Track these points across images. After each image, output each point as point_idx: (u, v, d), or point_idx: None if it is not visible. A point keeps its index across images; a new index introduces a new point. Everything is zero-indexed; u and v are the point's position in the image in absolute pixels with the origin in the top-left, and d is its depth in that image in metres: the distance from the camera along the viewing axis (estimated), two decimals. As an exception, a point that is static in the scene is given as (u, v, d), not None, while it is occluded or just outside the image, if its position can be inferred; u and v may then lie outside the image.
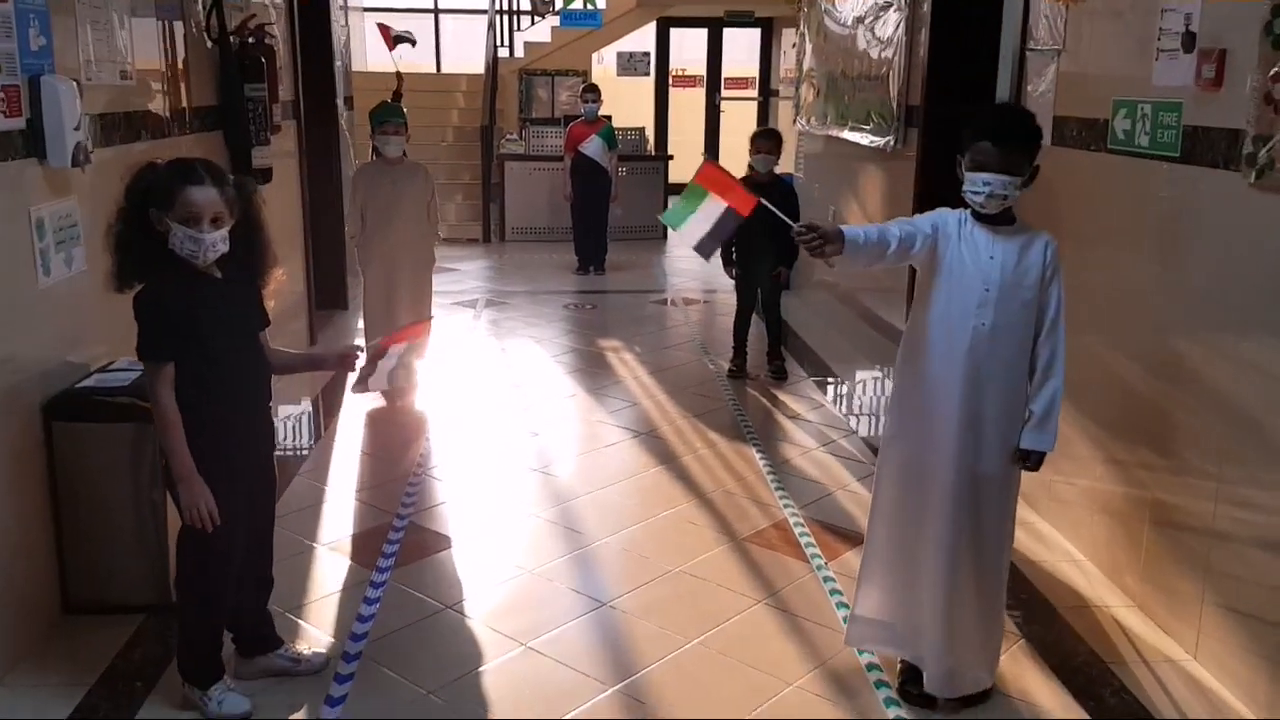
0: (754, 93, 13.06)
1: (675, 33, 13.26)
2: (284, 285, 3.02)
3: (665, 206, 10.48)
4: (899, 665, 2.85)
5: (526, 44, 11.74)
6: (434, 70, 12.62)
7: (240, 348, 2.60)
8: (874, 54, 6.29)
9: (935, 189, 4.43)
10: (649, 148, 11.11)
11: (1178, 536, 3.09)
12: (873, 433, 4.92)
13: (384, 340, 2.75)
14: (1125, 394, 3.38)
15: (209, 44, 4.64)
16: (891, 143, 5.92)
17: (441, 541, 3.73)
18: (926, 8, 5.49)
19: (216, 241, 2.46)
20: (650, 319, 7.44)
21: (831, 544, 3.71)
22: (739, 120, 12.67)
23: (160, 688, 2.76)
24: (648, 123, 12.31)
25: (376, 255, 5.19)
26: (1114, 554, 3.45)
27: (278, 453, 3.46)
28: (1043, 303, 2.56)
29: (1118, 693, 2.84)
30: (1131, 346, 3.37)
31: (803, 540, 3.74)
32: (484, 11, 11.36)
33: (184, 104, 4.32)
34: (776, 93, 11.21)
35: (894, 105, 5.89)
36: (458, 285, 8.25)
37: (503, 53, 11.41)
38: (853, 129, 6.68)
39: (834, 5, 7.25)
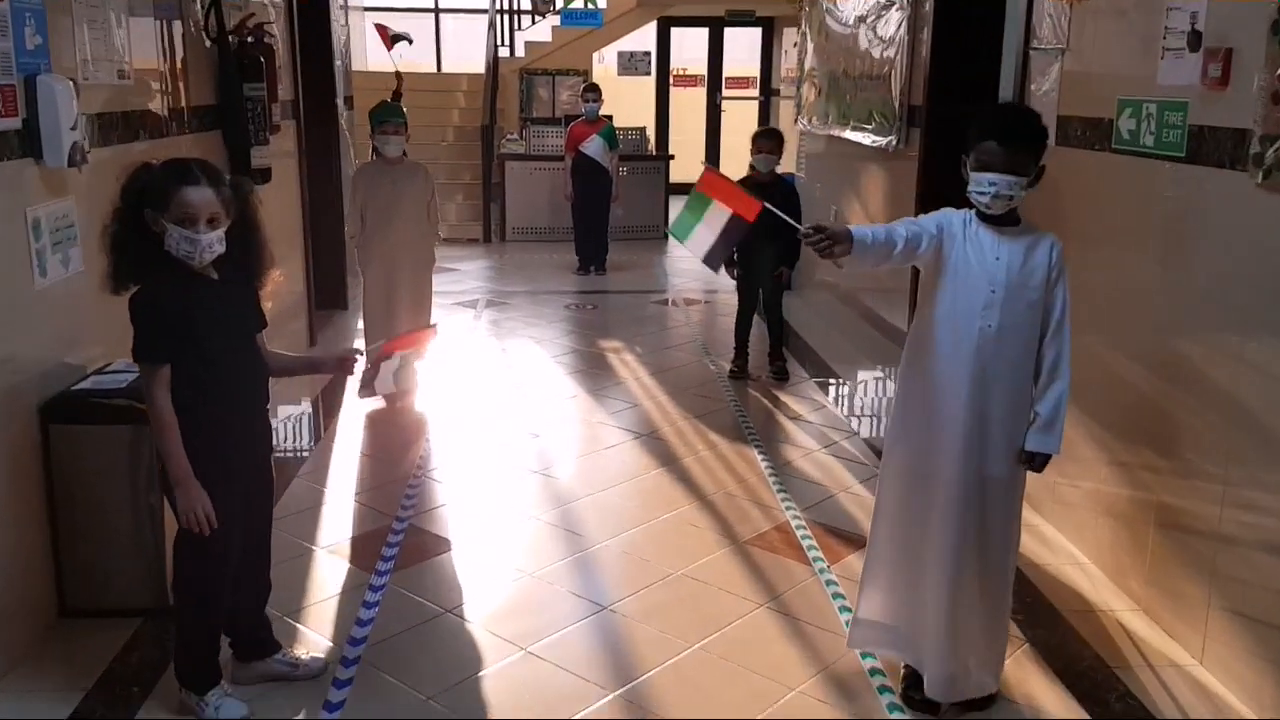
0: (755, 92, 13.06)
1: (676, 32, 13.26)
2: (283, 285, 3.00)
3: (666, 206, 10.48)
4: (902, 670, 2.83)
5: (527, 43, 11.73)
6: (434, 70, 12.60)
7: (237, 349, 2.58)
8: (876, 53, 6.27)
9: (937, 189, 4.41)
10: (650, 147, 11.10)
11: (1183, 539, 3.07)
12: (875, 434, 4.89)
13: (385, 345, 2.73)
14: (1131, 395, 3.36)
15: (207, 43, 4.62)
16: (893, 142, 5.90)
17: (441, 544, 3.71)
18: (929, 7, 5.46)
19: (213, 242, 2.44)
20: (651, 319, 7.41)
21: (834, 546, 3.69)
22: (740, 120, 12.66)
23: (157, 692, 2.74)
24: (649, 122, 12.30)
25: (376, 255, 5.17)
26: (1118, 557, 3.42)
27: (276, 454, 3.45)
28: (1048, 304, 2.54)
29: (1123, 698, 2.82)
30: (1136, 347, 3.35)
31: (805, 543, 3.71)
32: (484, 11, 11.34)
33: (182, 104, 4.31)
34: (778, 92, 11.19)
35: (896, 105, 5.86)
36: (458, 285, 8.23)
37: (503, 52, 11.40)
38: (854, 129, 6.65)
39: (835, 4, 7.22)
